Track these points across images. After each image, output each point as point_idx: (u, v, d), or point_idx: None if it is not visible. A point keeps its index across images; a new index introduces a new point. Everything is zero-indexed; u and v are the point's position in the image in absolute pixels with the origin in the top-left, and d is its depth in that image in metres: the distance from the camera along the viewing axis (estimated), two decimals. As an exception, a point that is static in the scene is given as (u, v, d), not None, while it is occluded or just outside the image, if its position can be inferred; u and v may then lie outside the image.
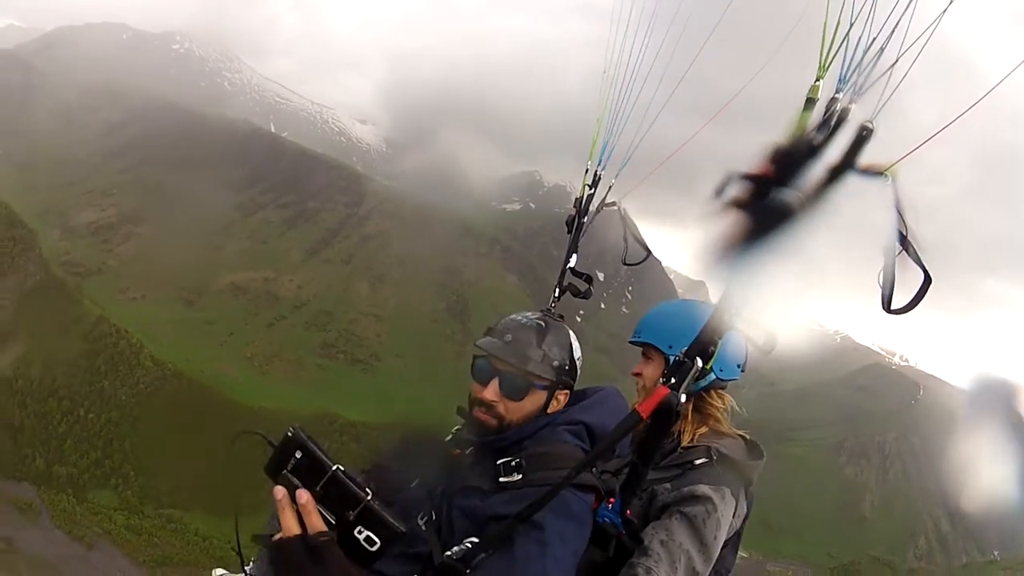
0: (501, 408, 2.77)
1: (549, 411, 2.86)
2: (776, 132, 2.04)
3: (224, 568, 3.63)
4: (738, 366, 3.38)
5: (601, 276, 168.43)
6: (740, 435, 3.37)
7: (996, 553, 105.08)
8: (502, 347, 2.80)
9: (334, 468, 1.94)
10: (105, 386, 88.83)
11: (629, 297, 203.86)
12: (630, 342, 3.59)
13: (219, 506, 76.32)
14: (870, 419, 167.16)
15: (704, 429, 3.29)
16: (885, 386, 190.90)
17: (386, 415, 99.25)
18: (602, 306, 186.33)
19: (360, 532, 1.92)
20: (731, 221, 1.92)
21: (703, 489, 2.99)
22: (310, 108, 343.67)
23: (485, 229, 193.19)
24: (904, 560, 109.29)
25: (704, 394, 3.35)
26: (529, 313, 3.01)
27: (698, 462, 3.12)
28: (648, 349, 3.47)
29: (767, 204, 1.89)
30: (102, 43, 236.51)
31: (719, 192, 1.95)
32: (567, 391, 2.94)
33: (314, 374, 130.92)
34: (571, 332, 3.00)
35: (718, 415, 3.34)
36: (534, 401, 2.81)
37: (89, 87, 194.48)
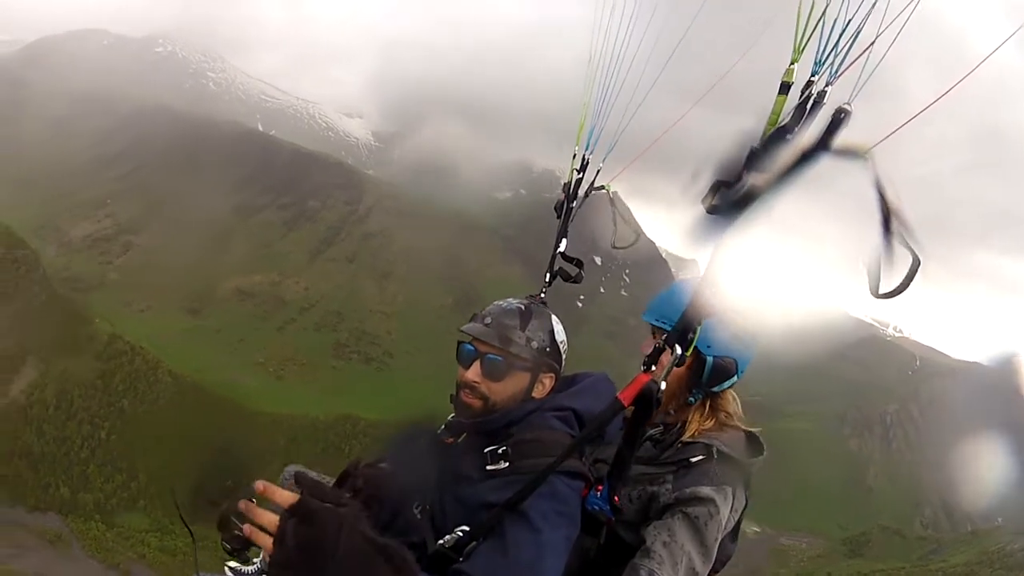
0: (484, 388, 2.90)
1: (535, 395, 2.98)
2: (760, 111, 2.09)
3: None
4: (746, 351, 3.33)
5: (598, 260, 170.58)
6: (741, 428, 3.35)
7: (1000, 519, 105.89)
8: (483, 330, 2.94)
9: None
10: (124, 405, 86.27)
11: (627, 280, 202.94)
12: (644, 318, 3.51)
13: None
14: (870, 391, 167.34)
15: (711, 423, 3.29)
16: (882, 358, 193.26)
17: (404, 412, 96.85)
18: (601, 290, 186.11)
19: None
20: (705, 209, 1.98)
21: (706, 491, 3.01)
22: (296, 104, 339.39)
23: (482, 219, 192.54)
24: (912, 529, 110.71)
25: (721, 393, 3.34)
26: (512, 299, 3.14)
27: (694, 459, 3.13)
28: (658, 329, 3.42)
29: (740, 188, 1.92)
30: (85, 50, 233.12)
31: (695, 178, 2.00)
32: (552, 375, 3.05)
33: (329, 376, 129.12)
34: (555, 317, 3.12)
35: (729, 411, 3.34)
36: (517, 383, 2.94)
37: (77, 96, 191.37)
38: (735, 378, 3.28)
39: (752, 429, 3.38)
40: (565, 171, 4.17)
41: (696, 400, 3.28)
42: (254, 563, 2.79)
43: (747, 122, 2.01)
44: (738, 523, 3.27)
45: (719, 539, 3.02)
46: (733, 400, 3.39)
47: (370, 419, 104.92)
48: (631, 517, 3.06)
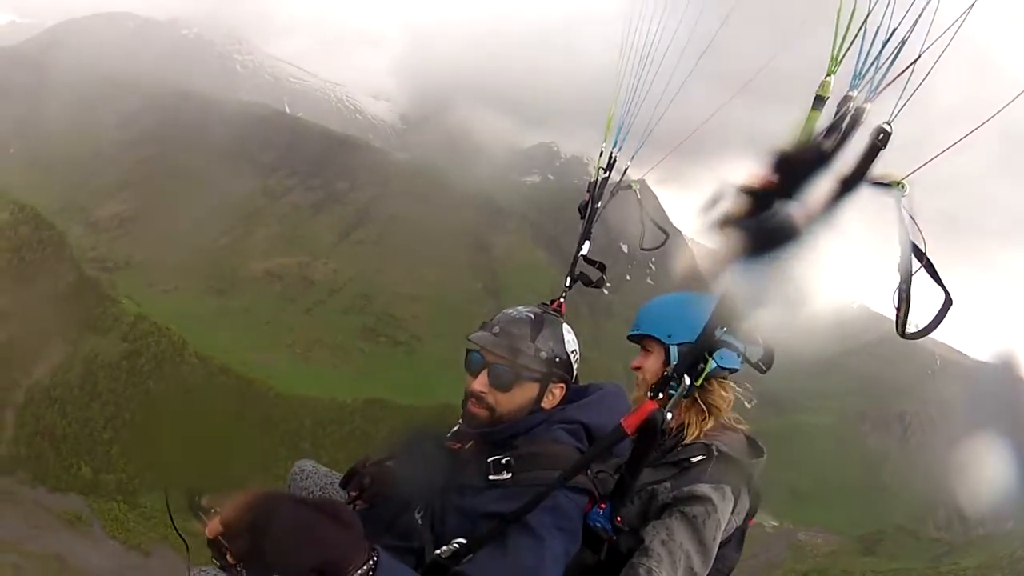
0: (491, 399, 2.86)
1: (544, 405, 2.94)
2: (799, 107, 1.93)
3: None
4: (738, 356, 3.29)
5: (625, 248, 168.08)
6: (742, 430, 3.36)
7: (1011, 523, 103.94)
8: (491, 339, 2.91)
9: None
10: (150, 386, 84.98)
11: (653, 268, 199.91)
12: (628, 337, 3.60)
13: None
14: (889, 388, 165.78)
15: (710, 424, 3.30)
16: (903, 356, 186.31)
17: (432, 397, 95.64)
18: (628, 278, 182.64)
19: None
20: (727, 238, 1.74)
21: (703, 489, 3.03)
22: (323, 87, 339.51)
23: (510, 204, 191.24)
24: (925, 529, 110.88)
25: (705, 384, 3.17)
26: (523, 307, 3.08)
27: (694, 459, 3.15)
28: (647, 341, 3.50)
29: (766, 221, 1.67)
30: (109, 34, 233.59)
31: (711, 206, 1.75)
32: (562, 385, 3.00)
33: (357, 359, 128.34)
34: (566, 326, 3.08)
35: (721, 405, 3.33)
36: (525, 393, 2.89)
37: (100, 79, 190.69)
38: (713, 364, 2.79)
39: (742, 428, 3.35)
40: (593, 158, 3.98)
41: (679, 390, 2.79)
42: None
43: (781, 115, 1.84)
44: (743, 530, 3.23)
45: (718, 538, 2.98)
46: (720, 389, 3.31)
47: (398, 403, 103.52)
48: (631, 521, 2.98)
